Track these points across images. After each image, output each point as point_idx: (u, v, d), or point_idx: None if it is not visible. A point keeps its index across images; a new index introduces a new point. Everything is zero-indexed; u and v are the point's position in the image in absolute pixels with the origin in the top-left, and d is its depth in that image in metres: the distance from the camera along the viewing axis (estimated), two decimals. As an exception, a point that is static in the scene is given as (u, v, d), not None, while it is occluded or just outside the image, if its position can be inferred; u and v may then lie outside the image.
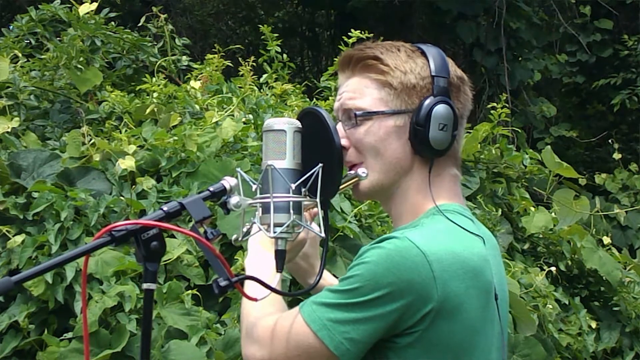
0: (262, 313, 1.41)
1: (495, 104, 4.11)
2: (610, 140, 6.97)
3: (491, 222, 3.63)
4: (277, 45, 4.17)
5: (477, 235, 1.41)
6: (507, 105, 4.16)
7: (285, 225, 1.35)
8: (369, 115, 1.43)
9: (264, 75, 4.14)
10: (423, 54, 1.46)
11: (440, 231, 1.37)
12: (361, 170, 1.45)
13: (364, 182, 1.46)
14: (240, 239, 1.44)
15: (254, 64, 4.04)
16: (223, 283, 1.23)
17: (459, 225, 1.39)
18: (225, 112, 3.55)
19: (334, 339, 1.30)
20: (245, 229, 1.43)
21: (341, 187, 1.47)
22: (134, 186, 3.05)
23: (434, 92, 1.42)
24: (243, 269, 2.66)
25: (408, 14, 8.14)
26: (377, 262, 1.30)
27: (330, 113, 1.43)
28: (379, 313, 1.30)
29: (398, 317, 1.30)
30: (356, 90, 1.46)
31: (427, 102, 1.42)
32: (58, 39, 3.97)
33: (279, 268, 1.38)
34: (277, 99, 3.99)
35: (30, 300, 2.69)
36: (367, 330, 1.30)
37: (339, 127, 1.47)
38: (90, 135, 3.24)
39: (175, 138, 3.22)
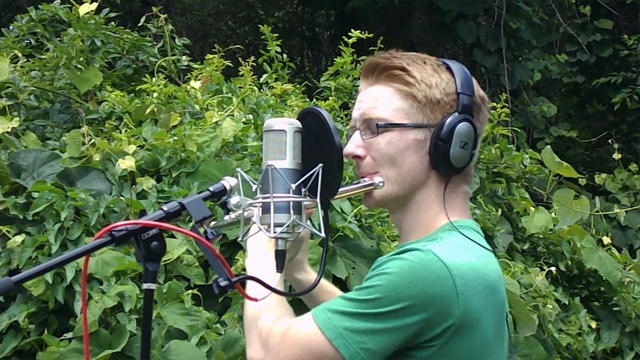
0: (268, 315, 1.40)
1: (495, 104, 4.11)
2: (610, 140, 6.97)
3: (491, 222, 3.63)
4: (277, 45, 4.17)
5: (491, 251, 1.42)
6: (507, 105, 4.17)
7: (286, 225, 1.35)
8: (391, 126, 1.43)
9: (264, 75, 4.14)
10: (448, 69, 1.46)
11: (461, 246, 1.37)
12: (378, 179, 1.44)
13: (378, 191, 1.45)
14: (240, 238, 1.44)
15: (254, 64, 4.04)
16: (223, 283, 1.23)
17: (475, 242, 1.39)
18: (225, 112, 3.55)
19: (349, 348, 1.29)
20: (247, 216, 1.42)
21: (354, 192, 1.47)
22: (134, 186, 3.05)
23: (458, 109, 1.42)
24: (244, 269, 2.68)
25: (408, 14, 8.14)
26: (400, 273, 1.29)
27: (330, 113, 1.43)
28: (398, 325, 1.29)
29: (417, 330, 1.29)
30: (378, 99, 1.45)
31: (450, 118, 1.41)
32: (58, 39, 3.97)
33: (279, 268, 1.38)
34: (277, 99, 3.99)
35: (30, 300, 2.69)
36: (385, 341, 1.29)
37: (356, 135, 1.47)
38: (90, 135, 3.24)
39: (175, 138, 3.22)
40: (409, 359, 1.32)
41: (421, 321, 1.29)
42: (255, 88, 3.97)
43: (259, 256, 1.48)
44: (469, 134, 1.42)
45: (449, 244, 1.36)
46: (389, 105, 1.44)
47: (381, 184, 1.44)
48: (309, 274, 1.66)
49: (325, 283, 1.68)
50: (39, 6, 4.07)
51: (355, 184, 1.47)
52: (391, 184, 1.44)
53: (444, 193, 1.44)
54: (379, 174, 1.45)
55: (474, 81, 1.47)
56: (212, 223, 1.41)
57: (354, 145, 1.45)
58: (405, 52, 1.49)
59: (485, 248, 1.40)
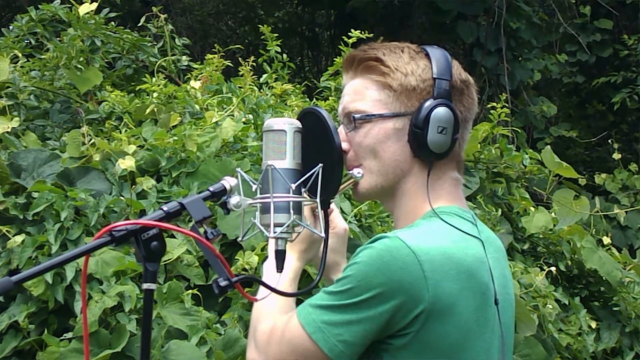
0: (266, 317, 1.41)
1: (495, 104, 4.11)
2: (610, 140, 6.97)
3: (491, 222, 3.63)
4: (277, 45, 4.17)
5: (475, 237, 1.40)
6: (507, 105, 4.16)
7: (285, 225, 1.35)
8: (367, 118, 1.43)
9: (264, 75, 4.14)
10: (427, 55, 1.45)
11: (434, 232, 1.36)
12: (356, 171, 1.45)
13: (363, 184, 1.46)
14: (240, 239, 1.45)
15: (254, 64, 4.04)
16: (223, 283, 1.23)
17: (454, 227, 1.38)
18: (225, 112, 3.54)
19: (328, 341, 1.30)
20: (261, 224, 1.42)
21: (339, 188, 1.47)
22: (134, 186, 3.05)
23: (434, 94, 1.41)
24: (244, 269, 2.68)
25: (408, 14, 8.13)
26: (368, 262, 1.30)
27: (330, 113, 1.43)
28: (371, 314, 1.29)
29: (389, 318, 1.30)
30: (357, 92, 1.45)
31: (426, 104, 1.41)
32: (58, 39, 3.97)
33: (279, 268, 1.38)
34: (277, 99, 3.99)
35: (30, 300, 2.69)
36: (360, 332, 1.30)
37: (341, 130, 1.47)
38: (90, 135, 3.24)
39: (175, 138, 3.22)
40: (387, 347, 1.33)
41: (392, 309, 1.29)
42: (255, 88, 3.97)
43: (271, 257, 1.48)
44: (447, 118, 1.41)
45: (422, 230, 1.37)
46: (367, 97, 1.44)
47: (359, 175, 1.44)
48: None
49: None
50: (39, 6, 4.06)
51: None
52: (375, 175, 1.45)
53: (427, 180, 1.43)
54: (362, 166, 1.45)
55: (455, 65, 1.46)
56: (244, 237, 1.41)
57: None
58: (386, 42, 1.49)
59: (468, 234, 1.39)
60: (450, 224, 1.38)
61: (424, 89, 1.42)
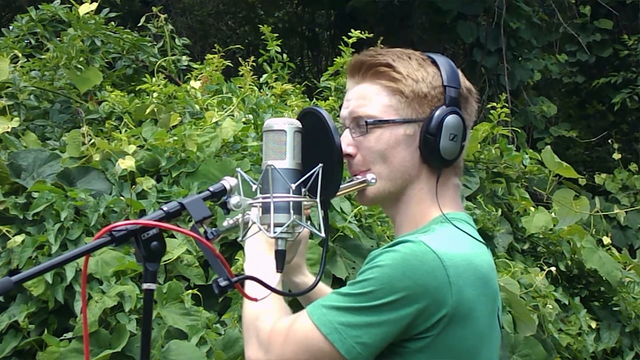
0: (266, 316, 1.40)
1: (495, 104, 4.11)
2: (610, 140, 6.97)
3: (491, 222, 3.62)
4: (277, 45, 4.18)
5: (484, 243, 1.42)
6: (507, 105, 4.16)
7: (286, 225, 1.35)
8: (379, 123, 1.43)
9: (264, 75, 4.14)
10: (434, 63, 1.46)
11: (453, 238, 1.37)
12: (370, 177, 1.45)
13: (371, 189, 1.46)
14: (240, 238, 1.44)
15: (254, 64, 4.04)
16: (223, 283, 1.23)
17: (468, 234, 1.39)
18: (225, 112, 3.55)
19: (345, 342, 1.29)
20: (245, 218, 1.43)
21: (347, 190, 1.47)
22: (134, 186, 3.05)
23: (445, 102, 1.43)
24: (243, 270, 2.68)
25: (408, 14, 8.13)
26: (393, 265, 1.30)
27: (330, 113, 1.43)
28: (393, 317, 1.29)
29: (411, 322, 1.30)
30: (366, 97, 1.45)
31: (439, 111, 1.42)
32: (58, 39, 3.97)
33: (279, 268, 1.38)
34: (277, 99, 3.99)
35: (30, 300, 2.69)
36: (379, 334, 1.30)
37: (347, 134, 1.47)
38: (90, 135, 3.24)
39: (175, 138, 3.22)
40: (401, 350, 1.33)
41: (415, 312, 1.29)
42: (255, 88, 3.97)
43: (256, 258, 1.48)
44: (458, 125, 1.43)
45: (441, 235, 1.37)
46: (377, 102, 1.44)
47: (373, 181, 1.45)
48: (307, 277, 1.67)
49: (322, 285, 1.68)
50: (39, 6, 4.07)
51: (348, 182, 1.47)
52: (383, 180, 1.45)
53: (436, 186, 1.44)
54: (371, 171, 1.45)
55: (460, 73, 1.48)
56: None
57: (344, 144, 1.45)
58: (390, 49, 1.50)
59: (477, 240, 1.41)
60: (464, 231, 1.39)
61: (434, 96, 1.43)
